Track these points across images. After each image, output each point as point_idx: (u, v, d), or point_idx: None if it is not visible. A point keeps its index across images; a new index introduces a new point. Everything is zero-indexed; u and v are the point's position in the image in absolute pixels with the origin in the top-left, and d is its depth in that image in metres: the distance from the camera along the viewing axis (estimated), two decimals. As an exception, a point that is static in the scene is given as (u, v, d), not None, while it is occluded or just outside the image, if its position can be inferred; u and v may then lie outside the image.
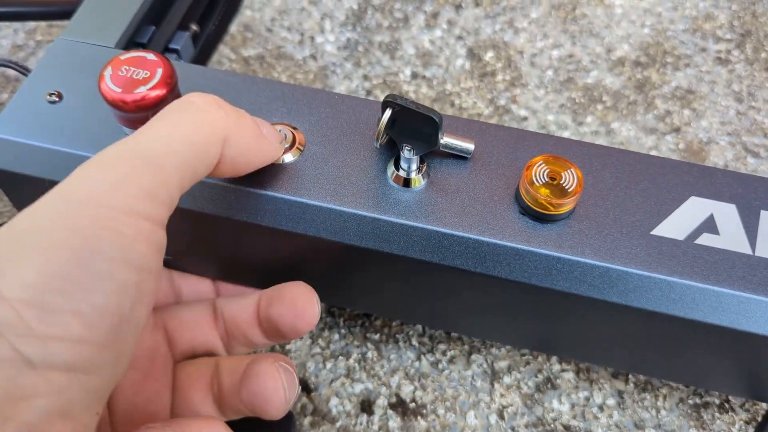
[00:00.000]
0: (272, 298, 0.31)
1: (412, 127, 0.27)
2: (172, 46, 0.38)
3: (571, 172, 0.28)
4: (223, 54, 0.50)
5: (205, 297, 0.35)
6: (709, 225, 0.29)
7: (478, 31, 0.52)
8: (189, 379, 0.31)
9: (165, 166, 0.22)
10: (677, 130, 0.47)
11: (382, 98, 0.47)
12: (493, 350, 0.37)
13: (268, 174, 0.29)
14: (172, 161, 0.22)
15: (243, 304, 0.32)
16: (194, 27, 0.40)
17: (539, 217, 0.28)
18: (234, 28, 0.51)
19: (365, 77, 0.49)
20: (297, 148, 0.30)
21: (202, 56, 0.44)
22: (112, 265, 0.20)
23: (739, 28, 0.52)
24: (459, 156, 0.30)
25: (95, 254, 0.20)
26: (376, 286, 0.32)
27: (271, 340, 0.32)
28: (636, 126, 0.47)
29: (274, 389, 0.28)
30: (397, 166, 0.29)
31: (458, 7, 0.53)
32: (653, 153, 0.45)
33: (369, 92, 0.48)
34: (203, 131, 0.23)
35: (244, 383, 0.29)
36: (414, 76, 0.49)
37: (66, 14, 0.44)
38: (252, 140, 0.26)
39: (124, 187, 0.21)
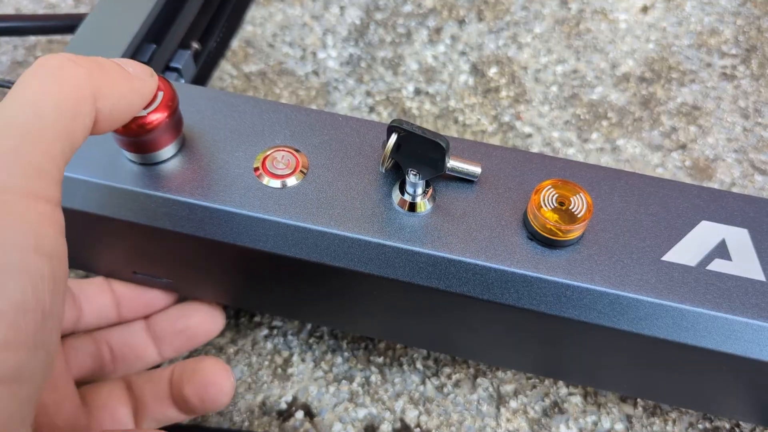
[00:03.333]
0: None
1: (418, 152, 0.26)
2: (173, 65, 0.38)
3: (580, 197, 0.27)
4: (225, 70, 0.49)
5: (106, 315, 0.34)
6: (721, 250, 0.28)
7: (482, 47, 0.51)
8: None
9: (44, 136, 0.20)
10: (683, 146, 0.46)
11: (385, 115, 0.47)
12: (499, 374, 0.37)
13: (270, 198, 0.29)
14: (48, 130, 0.20)
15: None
16: (195, 45, 0.40)
17: (548, 243, 0.28)
18: (235, 43, 0.51)
19: (368, 93, 0.48)
20: (300, 171, 0.29)
21: (203, 73, 0.43)
22: (24, 255, 0.18)
23: (744, 43, 0.52)
24: (465, 179, 0.29)
25: (2, 246, 0.18)
26: (381, 311, 0.32)
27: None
28: (642, 143, 0.46)
29: (225, 378, 0.31)
30: (403, 191, 0.28)
31: (461, 22, 0.53)
32: (659, 170, 0.45)
33: (372, 109, 0.47)
34: (68, 91, 0.21)
35: (190, 379, 0.30)
36: (417, 92, 0.48)
37: (66, 29, 0.44)
38: (122, 85, 0.24)
39: (14, 167, 0.19)
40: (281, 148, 0.30)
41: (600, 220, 0.29)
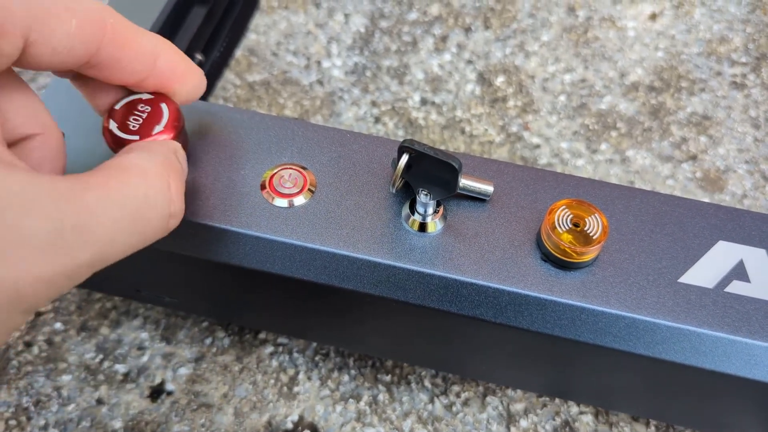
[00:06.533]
0: None
1: (429, 173, 0.26)
2: (176, 77, 0.37)
3: (595, 217, 0.27)
4: (228, 79, 0.49)
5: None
6: (739, 272, 0.27)
7: (489, 55, 0.51)
8: None
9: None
10: (694, 157, 0.46)
11: (391, 125, 0.46)
12: (509, 392, 0.36)
13: (277, 218, 0.28)
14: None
15: None
16: (199, 56, 0.39)
17: (562, 265, 0.27)
18: (239, 52, 0.50)
19: (373, 103, 0.48)
20: (308, 189, 0.29)
21: (207, 84, 0.42)
22: None
23: (754, 52, 0.51)
24: (477, 198, 0.29)
25: None
26: (390, 333, 0.31)
27: None
28: (651, 154, 0.46)
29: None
30: (413, 210, 0.28)
31: (468, 30, 0.52)
32: (670, 182, 0.44)
33: (377, 119, 0.47)
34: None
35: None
36: (423, 102, 0.48)
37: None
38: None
39: None
40: (288, 166, 0.29)
41: (615, 241, 0.28)
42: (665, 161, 0.45)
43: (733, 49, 0.51)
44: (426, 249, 0.27)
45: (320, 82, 0.49)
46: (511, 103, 0.48)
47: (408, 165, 0.26)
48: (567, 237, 0.26)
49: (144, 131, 0.26)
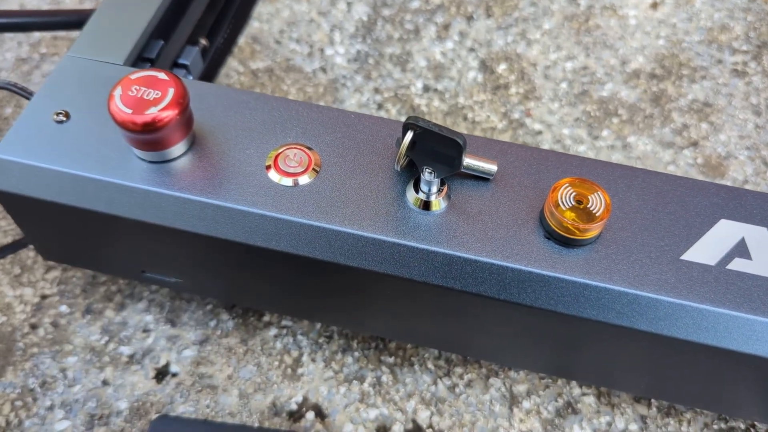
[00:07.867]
0: None
1: (434, 150, 0.26)
2: (181, 61, 0.37)
3: (598, 195, 0.27)
4: (231, 66, 0.49)
5: None
6: (741, 249, 0.28)
7: (491, 43, 0.51)
8: None
9: None
10: (695, 144, 0.46)
11: (393, 111, 0.46)
12: (512, 374, 0.36)
13: (283, 196, 0.28)
14: None
15: None
16: (203, 41, 0.39)
17: (565, 242, 0.27)
18: (242, 40, 0.50)
19: (376, 90, 0.48)
20: (313, 169, 0.29)
21: (210, 70, 0.43)
22: None
23: (755, 40, 0.51)
24: (481, 177, 0.29)
25: None
26: (394, 311, 0.31)
27: None
28: (653, 140, 0.46)
29: None
30: (417, 189, 0.28)
31: (470, 19, 0.52)
32: (671, 168, 0.44)
33: (380, 105, 0.47)
34: None
35: None
36: (426, 89, 0.48)
37: (72, 24, 0.43)
38: None
39: None
40: (293, 146, 0.29)
41: (618, 219, 0.28)
42: (666, 147, 0.45)
43: (734, 38, 0.52)
44: (430, 227, 0.28)
45: (323, 70, 0.49)
46: (513, 90, 0.48)
47: (413, 142, 0.26)
48: (570, 214, 0.27)
49: (147, 107, 0.26)
